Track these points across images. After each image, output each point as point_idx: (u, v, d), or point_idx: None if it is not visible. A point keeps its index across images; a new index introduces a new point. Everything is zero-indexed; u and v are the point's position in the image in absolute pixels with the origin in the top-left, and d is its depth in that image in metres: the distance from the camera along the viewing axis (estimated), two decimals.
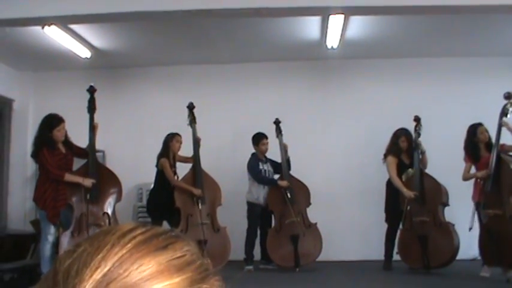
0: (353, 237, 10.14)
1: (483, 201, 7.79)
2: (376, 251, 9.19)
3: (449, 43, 9.67)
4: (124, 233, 0.84)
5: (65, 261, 0.81)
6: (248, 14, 7.90)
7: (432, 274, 8.22)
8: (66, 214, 7.20)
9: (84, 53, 9.63)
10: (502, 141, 7.87)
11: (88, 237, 0.86)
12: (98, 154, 8.28)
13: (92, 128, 7.60)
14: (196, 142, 8.69)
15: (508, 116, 7.79)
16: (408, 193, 8.48)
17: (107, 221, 7.33)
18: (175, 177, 8.63)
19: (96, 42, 9.43)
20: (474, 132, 8.19)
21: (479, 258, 8.26)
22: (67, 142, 7.41)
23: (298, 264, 8.74)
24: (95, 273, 0.78)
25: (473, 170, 8.22)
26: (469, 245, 8.73)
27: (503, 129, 7.76)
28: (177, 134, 8.70)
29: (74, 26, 8.56)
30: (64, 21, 7.96)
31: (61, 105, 8.93)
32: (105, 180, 7.51)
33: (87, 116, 7.63)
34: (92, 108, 7.66)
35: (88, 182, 7.27)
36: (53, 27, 8.13)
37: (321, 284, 7.94)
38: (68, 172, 7.28)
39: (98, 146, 7.97)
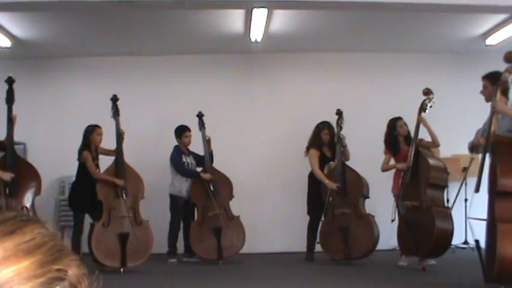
0: (275, 229, 10.23)
1: (401, 193, 8.03)
2: (298, 243, 9.32)
3: (371, 39, 9.85)
4: None
5: None
6: (172, 6, 7.88)
7: (353, 264, 8.41)
8: None
9: (4, 42, 9.36)
10: (420, 136, 8.12)
11: None
12: (18, 146, 8.10)
13: (10, 120, 7.39)
14: (120, 135, 8.57)
15: (427, 111, 8.03)
16: (331, 184, 8.63)
17: None
18: (97, 170, 8.51)
19: (17, 31, 9.15)
20: (394, 125, 8.43)
21: (398, 248, 8.51)
22: None
23: (221, 257, 8.79)
24: None
25: (392, 162, 8.46)
26: (388, 236, 8.95)
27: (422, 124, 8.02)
28: (97, 126, 8.51)
29: None
30: None
31: None
32: (24, 173, 7.33)
33: (6, 107, 7.45)
34: (10, 99, 7.46)
35: (7, 176, 7.08)
36: None
37: (244, 276, 8.00)
38: None
39: (18, 139, 7.80)
